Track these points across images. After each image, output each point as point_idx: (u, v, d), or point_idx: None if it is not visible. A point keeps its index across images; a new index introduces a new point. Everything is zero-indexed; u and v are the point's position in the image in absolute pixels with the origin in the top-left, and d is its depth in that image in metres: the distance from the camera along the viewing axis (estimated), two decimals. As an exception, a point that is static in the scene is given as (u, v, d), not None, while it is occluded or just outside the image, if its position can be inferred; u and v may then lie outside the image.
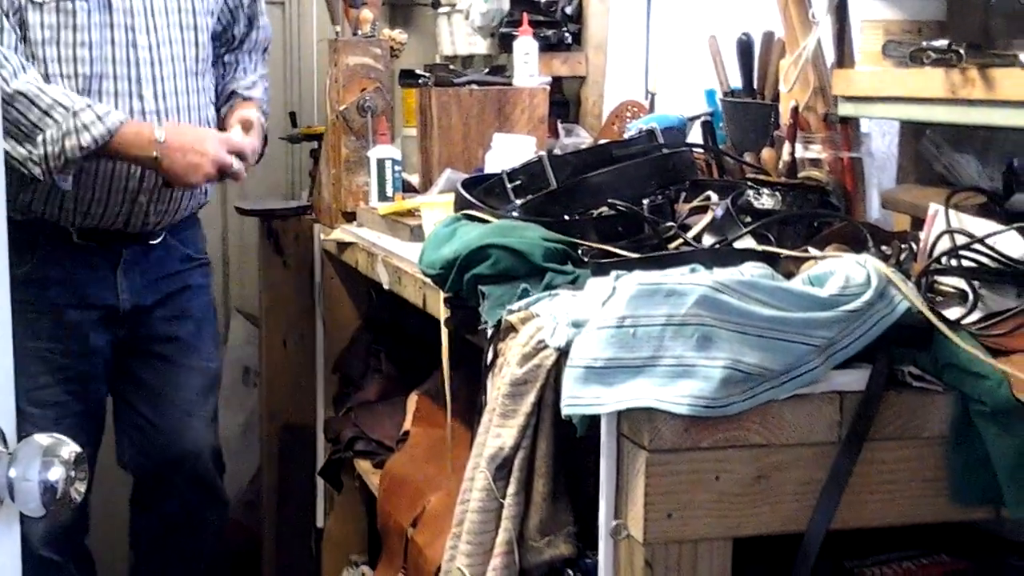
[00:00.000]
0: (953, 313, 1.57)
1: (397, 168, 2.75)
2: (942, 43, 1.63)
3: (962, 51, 1.59)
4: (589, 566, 1.56)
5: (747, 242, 1.79)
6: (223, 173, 2.44)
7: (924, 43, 1.66)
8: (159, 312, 2.62)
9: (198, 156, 2.37)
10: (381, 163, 2.74)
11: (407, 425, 2.67)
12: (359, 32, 2.91)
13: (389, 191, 2.74)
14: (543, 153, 2.13)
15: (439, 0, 3.50)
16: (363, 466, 2.75)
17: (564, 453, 1.58)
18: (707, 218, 1.90)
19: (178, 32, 2.48)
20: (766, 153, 2.14)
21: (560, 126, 3.08)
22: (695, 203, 2.02)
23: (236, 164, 2.44)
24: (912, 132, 1.96)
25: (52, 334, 2.47)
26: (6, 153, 1.97)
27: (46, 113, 2.27)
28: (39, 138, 2.26)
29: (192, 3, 2.50)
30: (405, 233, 2.51)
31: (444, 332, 1.90)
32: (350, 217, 2.87)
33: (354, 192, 2.88)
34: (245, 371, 3.72)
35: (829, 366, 1.44)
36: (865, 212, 1.99)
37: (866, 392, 1.44)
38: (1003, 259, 1.62)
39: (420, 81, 2.91)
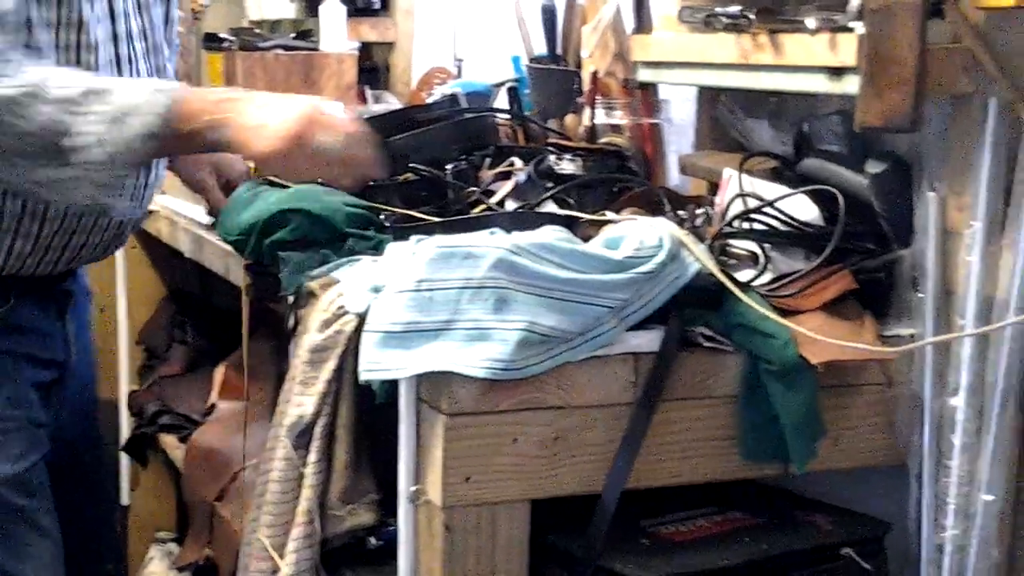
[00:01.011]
0: (745, 275, 1.61)
1: (201, 134, 2.67)
2: (734, 8, 1.66)
3: (752, 16, 1.62)
4: (390, 533, 1.55)
5: (549, 207, 1.80)
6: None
7: (717, 8, 1.69)
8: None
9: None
10: (184, 129, 2.66)
11: (213, 397, 2.62)
12: (156, -4, 2.81)
13: (192, 157, 2.66)
14: (344, 117, 2.09)
15: (245, -37, 3.43)
16: (168, 440, 2.68)
17: (366, 420, 1.57)
18: (510, 183, 1.90)
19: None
20: (569, 119, 2.15)
21: (369, 92, 3.05)
22: (499, 169, 2.01)
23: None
24: (709, 98, 1.99)
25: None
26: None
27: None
28: (78, 141, 1.57)
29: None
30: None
31: (244, 300, 1.86)
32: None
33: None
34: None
35: (624, 327, 1.46)
36: (664, 177, 2.03)
37: (659, 353, 1.46)
38: (793, 222, 1.66)
39: (225, 45, 2.84)
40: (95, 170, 1.58)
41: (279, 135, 1.59)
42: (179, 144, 1.68)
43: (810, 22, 1.52)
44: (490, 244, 1.43)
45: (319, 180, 1.75)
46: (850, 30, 1.49)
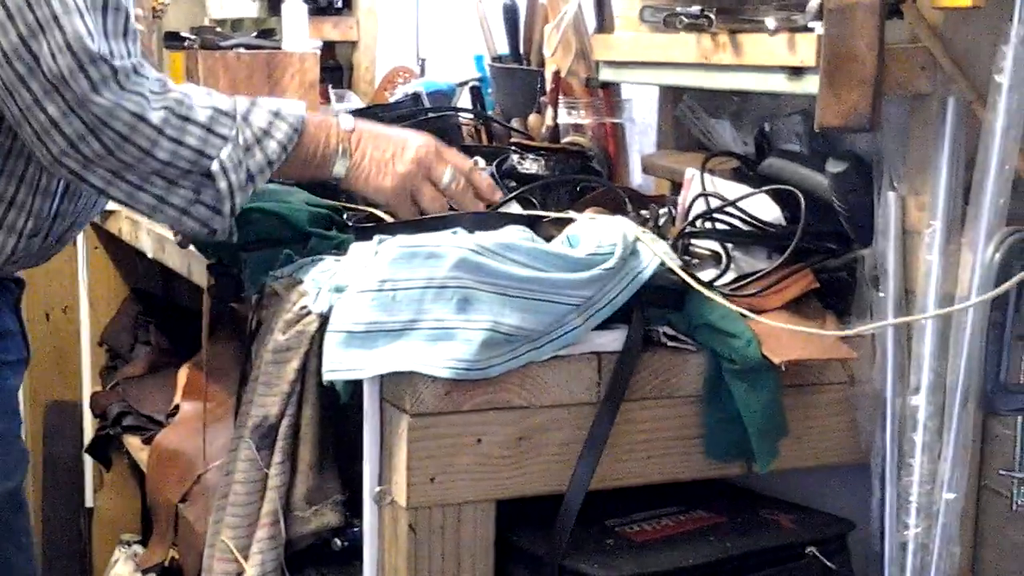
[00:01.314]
0: (707, 275, 1.61)
1: (162, 133, 2.66)
2: (694, 9, 1.67)
3: (712, 16, 1.63)
4: (356, 534, 1.55)
5: (512, 207, 1.80)
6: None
7: (678, 8, 1.69)
8: None
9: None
10: (145, 128, 2.65)
11: (177, 399, 2.61)
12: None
13: (155, 156, 2.65)
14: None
15: (206, -39, 3.42)
16: (132, 442, 2.67)
17: (330, 421, 1.57)
18: (473, 183, 1.90)
19: None
20: (532, 119, 2.16)
21: (332, 91, 3.04)
22: (462, 168, 2.02)
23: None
24: (671, 98, 2.00)
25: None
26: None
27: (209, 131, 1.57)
28: (214, 167, 1.57)
29: None
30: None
31: (205, 301, 1.85)
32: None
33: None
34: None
35: (588, 327, 1.46)
36: (627, 176, 2.03)
37: (622, 352, 1.47)
38: (755, 221, 1.67)
39: (186, 44, 2.82)
40: (224, 196, 1.58)
41: (402, 172, 1.64)
42: (291, 172, 1.68)
43: (769, 22, 1.53)
44: (453, 244, 1.43)
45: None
46: (810, 30, 1.50)
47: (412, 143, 1.66)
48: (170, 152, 1.55)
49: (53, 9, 1.49)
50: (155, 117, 1.53)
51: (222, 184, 1.57)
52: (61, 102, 1.50)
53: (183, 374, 2.64)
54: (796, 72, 1.53)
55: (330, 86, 3.08)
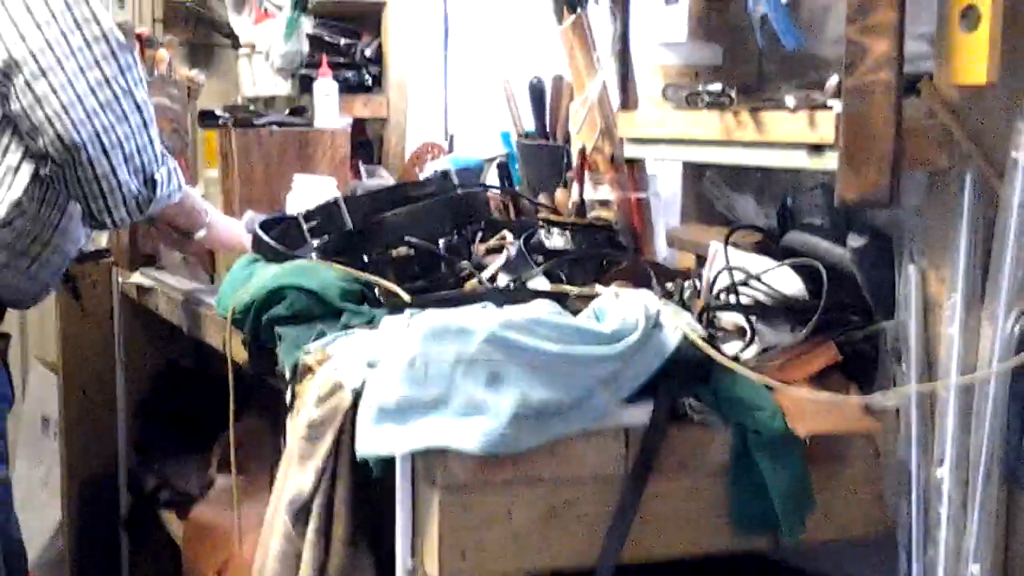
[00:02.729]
0: (732, 347, 1.64)
1: (197, 211, 2.72)
2: (716, 87, 1.71)
3: (734, 95, 1.67)
4: (389, 607, 1.57)
5: (539, 281, 1.84)
6: None
7: (700, 87, 1.73)
8: None
9: (240, 233, 2.27)
10: (180, 206, 2.71)
11: (212, 473, 2.64)
12: (156, 72, 2.88)
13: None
14: (338, 195, 2.15)
15: (239, 41, 3.49)
16: (168, 516, 2.70)
17: (364, 495, 1.59)
18: (501, 258, 1.94)
19: None
20: (559, 193, 2.20)
21: (362, 167, 3.10)
22: (491, 243, 2.06)
23: None
24: (694, 173, 2.04)
25: None
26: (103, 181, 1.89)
27: (162, 147, 2.06)
28: (156, 175, 2.00)
29: None
30: (205, 275, 2.49)
31: (230, 376, 1.90)
32: (150, 260, 2.83)
33: (153, 235, 2.84)
34: (44, 421, 3.62)
35: (615, 400, 1.49)
36: (653, 250, 2.06)
37: (650, 427, 1.49)
38: (778, 295, 1.70)
39: (220, 122, 2.89)
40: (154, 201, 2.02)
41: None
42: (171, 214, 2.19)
43: (789, 100, 1.57)
44: (482, 319, 1.46)
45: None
46: (829, 108, 1.53)
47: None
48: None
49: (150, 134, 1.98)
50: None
51: (157, 192, 2.00)
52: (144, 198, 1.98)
53: (217, 448, 2.67)
54: (816, 149, 1.56)
55: (360, 162, 3.13)
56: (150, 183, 1.96)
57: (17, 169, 1.93)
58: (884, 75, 1.45)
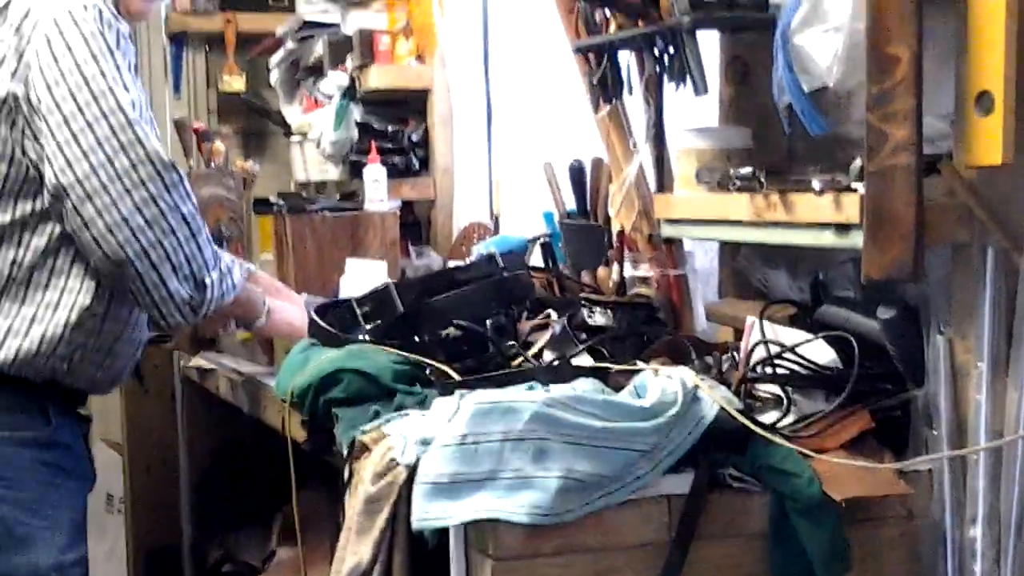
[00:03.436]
0: (769, 417, 1.72)
1: (255, 295, 2.82)
2: (746, 171, 1.80)
3: (763, 178, 1.75)
4: (446, 674, 1.64)
5: (584, 358, 1.92)
6: None
7: (731, 170, 1.82)
8: None
9: (299, 319, 2.27)
10: (238, 291, 2.82)
11: (272, 545, 2.72)
12: (212, 164, 3.00)
13: (248, 317, 2.81)
14: (389, 281, 2.24)
15: (291, 129, 3.63)
16: (230, 588, 2.78)
17: (419, 566, 1.67)
18: (546, 336, 2.03)
19: None
20: (601, 271, 2.28)
21: (411, 248, 3.20)
22: (536, 321, 2.14)
23: None
24: (730, 249, 2.12)
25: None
26: (154, 292, 1.96)
27: (213, 250, 2.07)
28: (207, 279, 2.03)
29: None
30: (262, 358, 2.59)
31: (291, 455, 1.99)
32: (210, 344, 2.93)
33: (213, 319, 2.94)
34: (108, 498, 3.72)
35: (658, 472, 1.57)
36: (692, 324, 2.14)
37: (691, 494, 1.57)
38: (813, 366, 1.77)
39: (274, 209, 3.00)
40: (206, 303, 2.05)
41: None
42: (231, 310, 2.22)
43: (816, 183, 1.65)
44: (528, 399, 1.55)
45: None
46: (853, 190, 1.61)
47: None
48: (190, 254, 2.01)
49: (199, 242, 2.03)
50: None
51: (208, 294, 2.03)
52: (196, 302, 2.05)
53: (277, 522, 2.75)
54: (843, 228, 1.64)
55: (409, 242, 3.24)
56: (201, 287, 2.01)
57: (85, 276, 2.01)
58: (904, 159, 1.53)
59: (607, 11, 2.00)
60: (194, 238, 1.99)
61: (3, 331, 1.99)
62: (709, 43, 2.00)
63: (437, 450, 1.55)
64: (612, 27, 1.98)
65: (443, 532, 1.54)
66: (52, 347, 2.00)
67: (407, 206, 3.35)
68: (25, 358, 1.99)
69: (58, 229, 1.98)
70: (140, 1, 2.12)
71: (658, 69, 1.89)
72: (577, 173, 2.39)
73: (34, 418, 2.04)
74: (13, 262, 1.99)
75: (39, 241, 2.00)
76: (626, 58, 2.02)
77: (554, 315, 2.11)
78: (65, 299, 2.01)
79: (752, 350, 1.83)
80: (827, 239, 1.67)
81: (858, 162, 1.60)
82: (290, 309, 2.31)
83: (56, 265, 2.00)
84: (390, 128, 3.38)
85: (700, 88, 1.82)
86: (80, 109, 1.91)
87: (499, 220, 2.99)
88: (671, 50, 1.84)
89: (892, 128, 1.53)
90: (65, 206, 1.94)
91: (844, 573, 1.61)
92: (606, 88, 2.05)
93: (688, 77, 1.82)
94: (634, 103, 2.10)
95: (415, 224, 3.47)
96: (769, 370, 1.78)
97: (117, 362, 2.10)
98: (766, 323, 1.85)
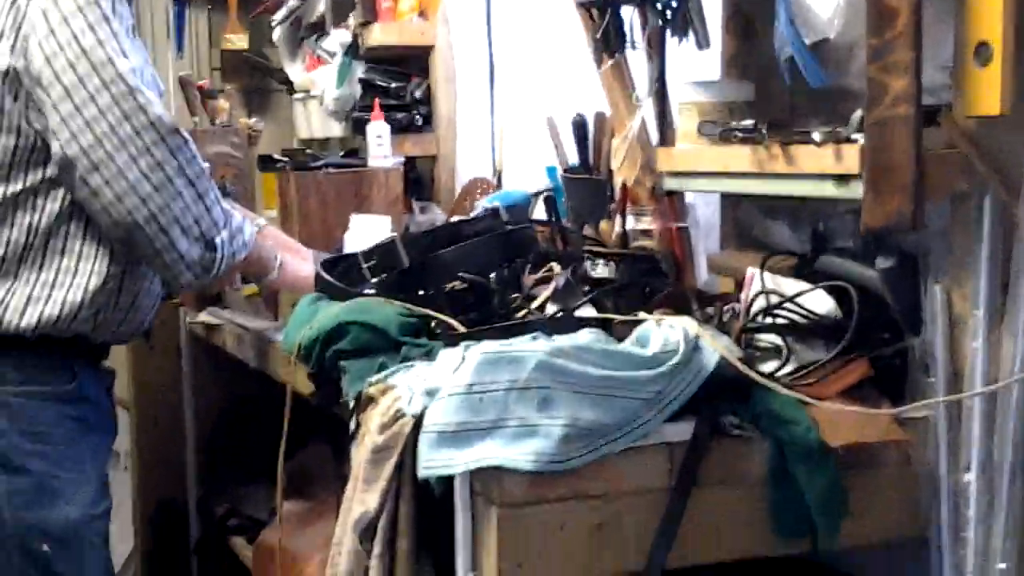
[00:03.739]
0: (769, 366, 1.74)
1: (260, 251, 2.85)
2: (748, 123, 1.81)
3: (764, 130, 1.77)
4: (451, 617, 1.67)
5: (586, 310, 1.94)
6: None
7: (733, 123, 1.84)
8: None
9: (310, 272, 2.24)
10: (244, 247, 2.84)
11: (278, 499, 2.75)
12: (217, 122, 3.01)
13: (252, 273, 2.84)
14: (395, 234, 2.26)
15: (294, 87, 3.63)
16: (237, 541, 2.81)
17: (426, 513, 1.70)
18: (550, 288, 2.05)
19: None
20: (604, 225, 2.30)
21: (415, 204, 3.22)
22: (539, 274, 2.17)
23: None
24: (732, 201, 2.14)
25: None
26: (165, 254, 1.98)
27: (222, 209, 2.08)
28: (217, 239, 2.06)
29: None
30: (269, 312, 2.61)
31: (287, 407, 2.04)
32: (215, 300, 2.96)
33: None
34: (115, 455, 3.76)
35: (659, 419, 1.60)
36: (694, 276, 2.16)
37: (692, 442, 1.60)
38: (812, 315, 1.80)
39: (278, 166, 3.02)
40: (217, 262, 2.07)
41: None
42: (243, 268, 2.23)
43: (816, 135, 1.67)
44: (532, 348, 1.58)
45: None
46: (853, 141, 1.63)
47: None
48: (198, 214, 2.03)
49: (206, 203, 2.04)
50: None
51: (218, 253, 2.05)
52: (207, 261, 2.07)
53: (282, 475, 2.78)
54: (842, 179, 1.66)
55: (413, 198, 3.25)
56: (211, 247, 2.04)
57: (101, 240, 2.04)
58: (903, 110, 1.55)
59: (610, -34, 2.01)
60: (201, 199, 2.01)
61: (24, 297, 2.02)
62: (711, -2, 2.02)
63: (443, 400, 1.58)
64: (614, -19, 1.99)
65: (449, 480, 1.57)
66: (74, 311, 2.03)
67: (410, 162, 3.36)
68: (48, 322, 2.02)
69: (70, 195, 2.01)
70: None
71: (660, 23, 1.90)
72: (580, 127, 2.40)
73: (59, 374, 2.07)
74: (29, 228, 2.02)
75: (53, 206, 2.02)
76: (628, 13, 2.03)
77: (557, 268, 2.13)
78: (83, 265, 2.04)
79: (752, 301, 1.85)
80: (828, 190, 1.69)
81: (858, 113, 1.62)
82: (300, 264, 2.32)
83: (71, 230, 2.03)
84: (393, 85, 3.39)
85: (703, 42, 1.84)
86: (81, 80, 1.92)
87: (502, 175, 3.00)
88: (673, 4, 1.85)
89: (892, 80, 1.54)
90: (73, 177, 1.96)
91: (842, 518, 1.64)
92: (608, 43, 2.06)
93: (690, 31, 1.83)
94: (636, 57, 2.12)
95: (418, 180, 3.48)
96: (769, 320, 1.81)
97: (138, 315, 2.14)
98: (766, 274, 1.88)
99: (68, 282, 2.03)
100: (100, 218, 1.98)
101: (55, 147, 1.95)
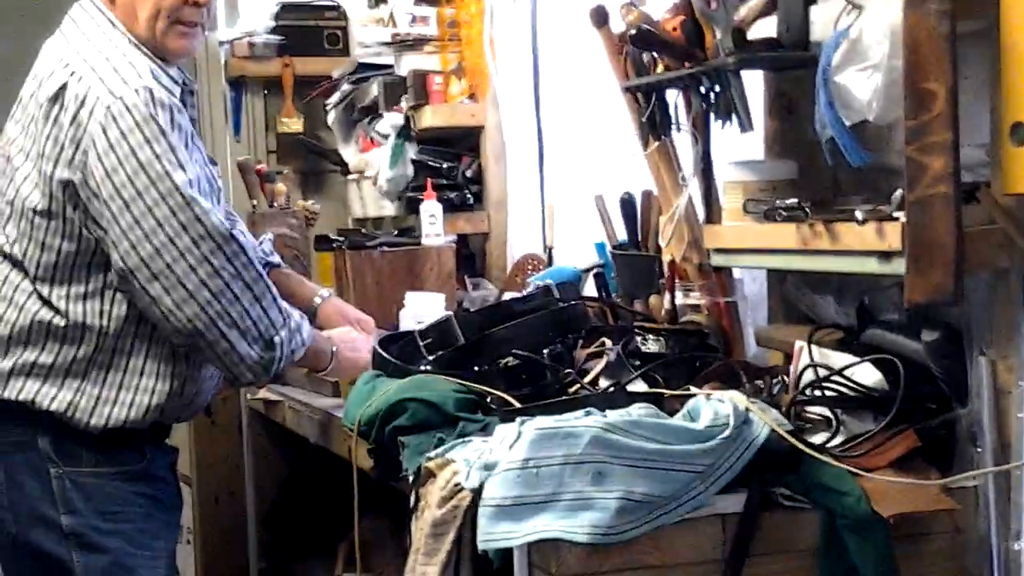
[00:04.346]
0: (819, 438, 1.79)
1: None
2: (792, 201, 1.86)
3: (808, 209, 1.82)
4: None
5: (638, 384, 2.00)
6: None
7: (777, 201, 1.89)
8: None
9: (364, 357, 2.29)
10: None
11: (338, 571, 2.80)
12: (275, 204, 3.11)
13: (311, 350, 2.91)
14: (450, 313, 2.32)
15: (348, 168, 3.72)
16: (297, 614, 2.86)
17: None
18: (602, 363, 2.11)
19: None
20: (653, 300, 2.35)
21: (467, 280, 3.29)
22: (591, 349, 2.22)
23: None
24: (778, 276, 2.19)
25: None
26: (226, 357, 2.06)
27: (280, 309, 2.14)
28: (276, 339, 2.12)
29: None
30: (327, 388, 2.68)
31: (355, 482, 2.09)
32: (275, 376, 3.01)
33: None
34: (179, 529, 3.82)
35: (712, 492, 1.64)
36: (743, 349, 2.21)
37: (744, 513, 1.64)
38: (860, 388, 1.84)
39: (335, 245, 3.10)
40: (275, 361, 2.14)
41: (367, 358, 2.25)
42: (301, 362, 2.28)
43: (859, 213, 1.72)
44: (586, 424, 1.63)
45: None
46: (895, 219, 1.68)
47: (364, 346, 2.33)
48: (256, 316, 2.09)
49: (263, 305, 2.12)
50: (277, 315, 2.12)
51: (277, 352, 2.11)
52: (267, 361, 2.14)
53: (342, 549, 2.83)
54: (885, 256, 1.70)
55: (466, 275, 3.32)
56: (270, 346, 2.10)
57: (165, 342, 2.13)
58: (943, 188, 1.60)
59: (654, 53, 2.08)
60: (259, 301, 2.08)
61: (94, 399, 2.11)
62: (754, 78, 2.08)
63: (500, 475, 1.63)
64: (659, 67, 2.06)
65: (507, 552, 1.61)
66: (142, 413, 2.13)
67: (462, 239, 3.44)
68: (117, 422, 2.12)
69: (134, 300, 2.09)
70: (176, 40, 2.14)
71: (704, 107, 1.96)
72: (628, 205, 2.47)
73: (131, 453, 2.16)
74: (98, 330, 2.10)
75: (119, 310, 2.11)
76: (673, 96, 2.10)
77: (608, 343, 2.19)
78: (149, 365, 2.13)
79: (801, 373, 1.90)
80: (871, 266, 1.73)
81: (899, 192, 1.67)
82: (353, 354, 2.34)
83: (139, 332, 2.12)
84: (445, 165, 3.47)
85: (746, 126, 1.90)
86: (140, 194, 2.00)
87: (552, 251, 3.06)
88: (717, 88, 1.92)
89: (930, 160, 1.59)
90: (133, 286, 2.04)
91: (893, 587, 1.67)
92: (655, 125, 2.12)
93: (734, 115, 1.89)
94: (682, 138, 2.18)
95: (470, 256, 3.55)
96: (818, 393, 1.85)
97: (201, 398, 2.24)
98: (814, 347, 1.92)
99: (136, 384, 2.12)
100: (162, 325, 2.06)
101: (115, 258, 2.04)
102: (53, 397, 2.09)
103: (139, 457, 2.16)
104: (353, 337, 2.39)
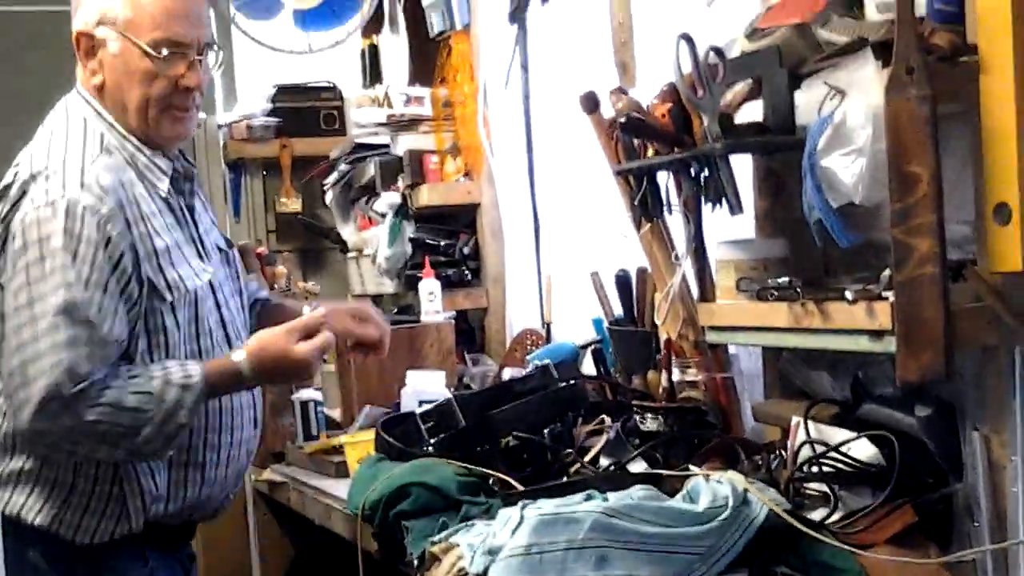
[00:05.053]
0: (818, 514, 1.81)
1: (320, 409, 2.96)
2: (783, 280, 1.90)
3: (799, 288, 1.86)
4: None
5: (638, 463, 2.03)
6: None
7: (769, 280, 1.93)
8: None
9: (287, 360, 2.08)
10: (304, 405, 2.96)
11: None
12: (276, 286, 3.14)
13: (314, 430, 2.95)
14: (451, 395, 2.36)
15: (347, 247, 3.77)
16: None
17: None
18: (601, 442, 2.14)
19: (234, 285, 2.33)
20: (651, 376, 2.39)
21: (467, 356, 3.32)
22: (591, 426, 2.25)
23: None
24: (773, 352, 2.22)
25: None
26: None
27: (136, 407, 1.99)
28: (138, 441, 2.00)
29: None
30: (331, 469, 2.71)
31: (360, 565, 2.09)
32: (279, 457, 3.05)
33: (281, 433, 3.07)
34: (183, 611, 3.82)
35: (713, 573, 1.66)
36: (741, 424, 2.24)
37: (746, 594, 1.66)
38: (857, 463, 1.87)
39: (335, 324, 3.12)
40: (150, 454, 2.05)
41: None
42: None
43: (849, 293, 1.75)
44: (588, 508, 1.66)
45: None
46: (884, 298, 1.71)
47: (283, 343, 2.10)
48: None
49: None
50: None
51: (146, 450, 2.01)
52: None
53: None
54: (876, 334, 1.73)
55: (465, 350, 3.36)
56: (147, 442, 2.00)
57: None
58: (930, 269, 1.63)
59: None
60: (104, 441, 1.99)
61: (81, 509, 2.06)
62: (743, 158, 2.12)
63: (504, 561, 1.66)
64: (650, 151, 2.10)
65: (514, 638, 1.64)
66: (136, 519, 2.07)
67: (461, 314, 3.48)
68: (103, 537, 2.07)
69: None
70: (171, 126, 2.10)
71: (695, 190, 2.00)
72: (623, 282, 2.51)
73: (131, 562, 2.11)
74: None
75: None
76: (664, 178, 2.14)
77: (608, 421, 2.22)
78: (138, 465, 2.08)
79: (798, 450, 1.92)
80: (863, 344, 1.76)
81: (887, 272, 1.70)
82: (264, 349, 2.10)
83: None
84: (442, 242, 3.52)
85: (735, 208, 1.94)
86: (19, 308, 1.97)
87: (551, 326, 3.10)
88: (706, 172, 1.96)
89: (917, 241, 1.62)
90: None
91: (896, 663, 1.68)
92: (647, 207, 2.16)
93: (723, 198, 1.93)
94: (674, 218, 2.22)
95: (470, 331, 3.59)
96: (816, 469, 1.88)
97: (216, 489, 2.19)
98: (810, 423, 1.95)
99: (126, 488, 2.07)
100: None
101: None
102: (38, 511, 2.05)
103: (140, 565, 2.11)
104: (264, 342, 2.10)
